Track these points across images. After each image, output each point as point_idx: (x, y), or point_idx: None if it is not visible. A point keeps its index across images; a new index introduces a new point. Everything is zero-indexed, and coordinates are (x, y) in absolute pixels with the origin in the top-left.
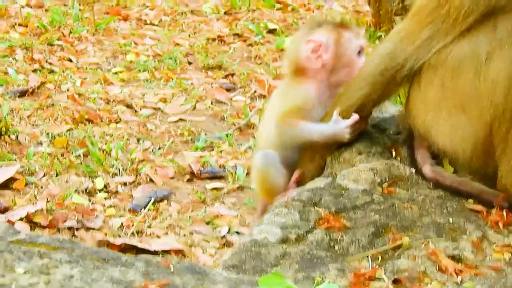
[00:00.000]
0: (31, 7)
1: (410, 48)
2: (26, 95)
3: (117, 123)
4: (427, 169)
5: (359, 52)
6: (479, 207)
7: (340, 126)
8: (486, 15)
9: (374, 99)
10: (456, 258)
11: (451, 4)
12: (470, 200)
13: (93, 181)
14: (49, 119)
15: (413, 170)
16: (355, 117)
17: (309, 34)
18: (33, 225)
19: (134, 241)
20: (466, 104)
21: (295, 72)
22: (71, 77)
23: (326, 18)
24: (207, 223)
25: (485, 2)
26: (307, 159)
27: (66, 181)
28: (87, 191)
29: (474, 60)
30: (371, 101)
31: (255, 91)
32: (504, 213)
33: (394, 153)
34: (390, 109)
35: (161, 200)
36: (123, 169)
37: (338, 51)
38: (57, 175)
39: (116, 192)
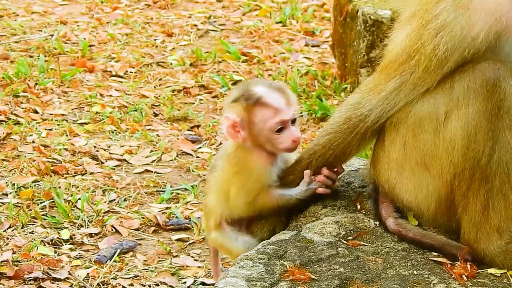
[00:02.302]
0: None
1: (375, 99)
2: None
3: (82, 174)
4: (391, 221)
5: (281, 129)
6: (443, 259)
7: (312, 187)
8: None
9: (337, 146)
10: None
11: (422, 54)
12: (434, 253)
13: (58, 233)
14: (15, 171)
15: (377, 223)
16: (322, 175)
17: (227, 108)
18: None
19: None
20: (428, 162)
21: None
22: (36, 128)
23: (247, 90)
24: (173, 274)
25: (459, 51)
26: None
27: (32, 232)
28: (53, 242)
29: (433, 120)
30: (334, 149)
31: (220, 143)
32: (468, 266)
33: (359, 206)
34: (355, 163)
35: (127, 251)
36: (88, 221)
37: (252, 130)
38: (22, 226)
39: (82, 243)
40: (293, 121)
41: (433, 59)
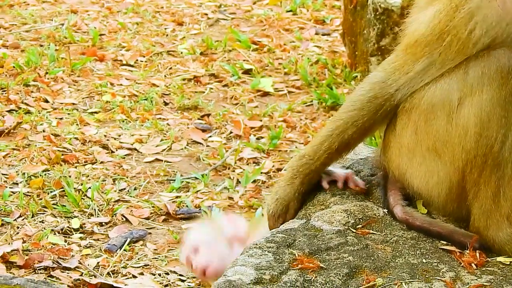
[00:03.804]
0: (7, 48)
1: (402, 79)
2: (2, 135)
3: (93, 163)
4: (398, 209)
5: None
6: (452, 247)
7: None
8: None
9: (361, 124)
10: None
11: (454, 36)
12: (443, 241)
13: (69, 222)
14: (25, 160)
15: (386, 211)
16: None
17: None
18: (9, 265)
19: (110, 281)
20: (440, 148)
21: None
22: (47, 117)
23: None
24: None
25: (491, 35)
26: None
27: (42, 222)
28: (63, 231)
29: (446, 106)
30: (357, 126)
31: (230, 132)
32: (477, 254)
33: (367, 194)
34: (364, 151)
35: (137, 240)
36: (99, 210)
37: None
38: (33, 215)
39: (92, 232)
40: None
41: (466, 42)
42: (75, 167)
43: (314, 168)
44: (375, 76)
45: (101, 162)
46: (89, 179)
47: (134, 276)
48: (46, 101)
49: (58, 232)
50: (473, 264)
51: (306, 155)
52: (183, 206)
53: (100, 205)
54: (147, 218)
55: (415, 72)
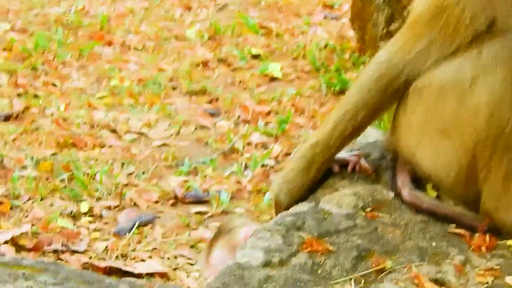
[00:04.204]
0: (15, 32)
1: (406, 58)
2: (11, 119)
3: (101, 147)
4: (406, 192)
5: None
6: (462, 231)
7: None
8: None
9: (370, 106)
10: (439, 282)
11: (449, 14)
12: (453, 224)
13: (77, 205)
14: (34, 144)
15: (392, 194)
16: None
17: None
18: (18, 248)
19: (119, 264)
20: (450, 129)
21: None
22: (55, 101)
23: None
24: (191, 247)
25: (486, 12)
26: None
27: (51, 205)
28: (72, 214)
29: (457, 86)
30: (367, 109)
31: (239, 116)
32: (487, 238)
33: (377, 178)
34: (373, 134)
35: (146, 224)
36: (107, 193)
37: None
38: (42, 199)
39: (101, 216)
40: None
41: (461, 20)
42: (84, 151)
43: (330, 154)
44: (381, 56)
45: (110, 146)
46: (98, 163)
47: (143, 260)
48: (54, 85)
49: (67, 216)
50: (482, 248)
51: (320, 143)
52: (191, 190)
53: (108, 188)
54: (156, 202)
55: (416, 51)
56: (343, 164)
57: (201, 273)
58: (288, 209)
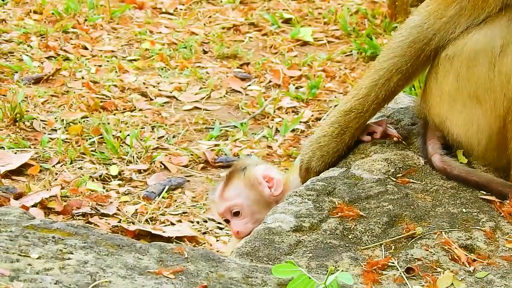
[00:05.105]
0: None
1: (437, 24)
2: (41, 82)
3: (131, 111)
4: (436, 158)
5: (227, 220)
6: (492, 197)
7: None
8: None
9: (404, 71)
10: (468, 248)
11: None
12: (483, 191)
13: (107, 169)
14: (64, 107)
15: (423, 160)
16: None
17: None
18: (47, 211)
19: (148, 228)
20: (481, 96)
21: None
22: (86, 64)
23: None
24: None
25: None
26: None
27: (81, 168)
28: (101, 178)
29: (488, 53)
30: (401, 74)
31: (269, 81)
32: None
33: (408, 144)
34: (404, 100)
35: (175, 188)
36: (137, 157)
37: None
38: (71, 162)
39: (130, 179)
40: (236, 214)
41: None
42: (114, 114)
43: (363, 120)
44: (412, 21)
45: (140, 110)
46: (128, 127)
47: (172, 224)
48: (85, 48)
49: (97, 179)
50: None
51: (353, 109)
52: (222, 154)
53: (138, 152)
54: (186, 166)
55: (448, 17)
56: (370, 132)
57: (213, 206)
58: (319, 175)
